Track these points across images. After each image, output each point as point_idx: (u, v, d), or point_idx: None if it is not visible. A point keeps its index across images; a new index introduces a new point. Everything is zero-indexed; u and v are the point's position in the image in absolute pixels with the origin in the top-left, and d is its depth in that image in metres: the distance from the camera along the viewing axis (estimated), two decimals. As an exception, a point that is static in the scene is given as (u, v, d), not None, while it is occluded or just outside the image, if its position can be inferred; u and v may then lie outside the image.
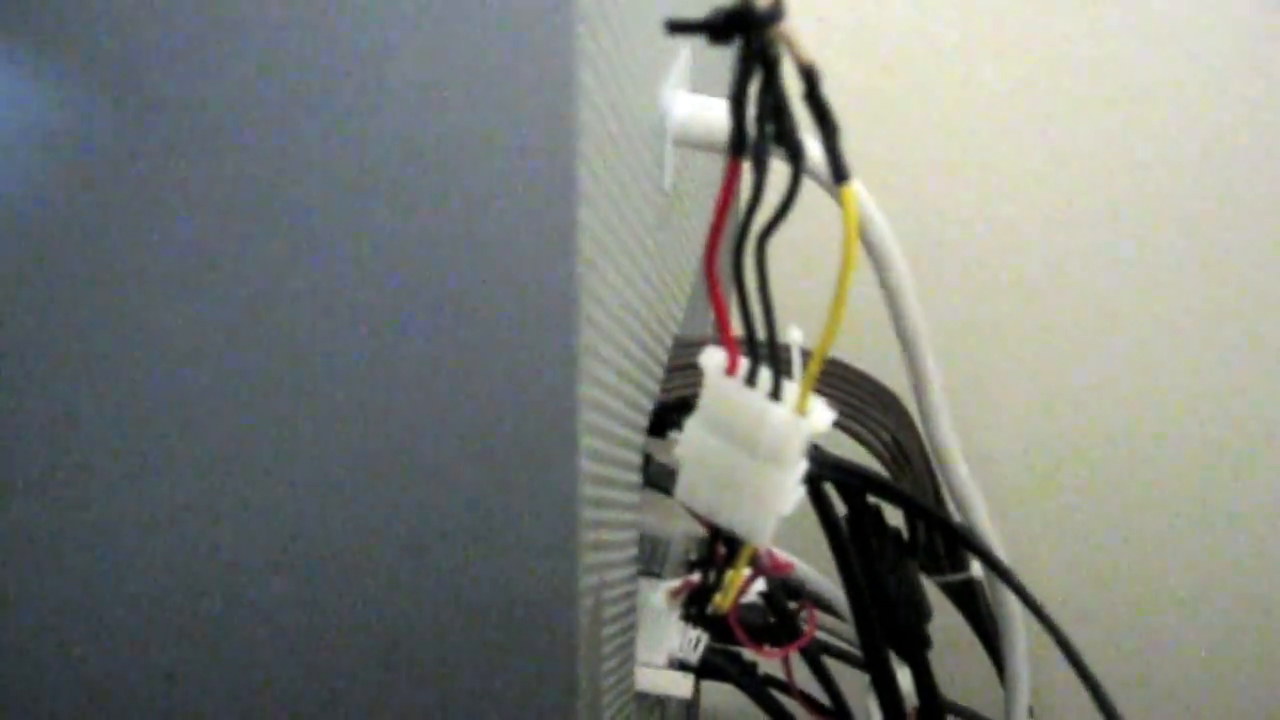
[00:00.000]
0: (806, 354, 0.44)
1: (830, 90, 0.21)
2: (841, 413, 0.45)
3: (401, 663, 0.28)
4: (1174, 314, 0.73)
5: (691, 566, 0.57)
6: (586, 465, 0.26)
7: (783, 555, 0.45)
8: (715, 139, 0.32)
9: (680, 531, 0.54)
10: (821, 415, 0.27)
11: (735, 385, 0.27)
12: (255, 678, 0.28)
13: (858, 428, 0.43)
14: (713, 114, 0.31)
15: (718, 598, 0.33)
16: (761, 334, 0.27)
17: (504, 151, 0.22)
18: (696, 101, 0.32)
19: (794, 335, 0.44)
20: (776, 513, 0.29)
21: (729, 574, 0.33)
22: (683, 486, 0.29)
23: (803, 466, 0.28)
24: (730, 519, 0.29)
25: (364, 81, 0.22)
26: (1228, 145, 0.68)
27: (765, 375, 0.27)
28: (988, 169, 0.71)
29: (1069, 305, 0.73)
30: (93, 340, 0.25)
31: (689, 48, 0.34)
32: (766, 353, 0.27)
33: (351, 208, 0.23)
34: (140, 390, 0.26)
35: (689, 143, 0.32)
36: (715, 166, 0.48)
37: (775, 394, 0.27)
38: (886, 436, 0.44)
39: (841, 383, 0.44)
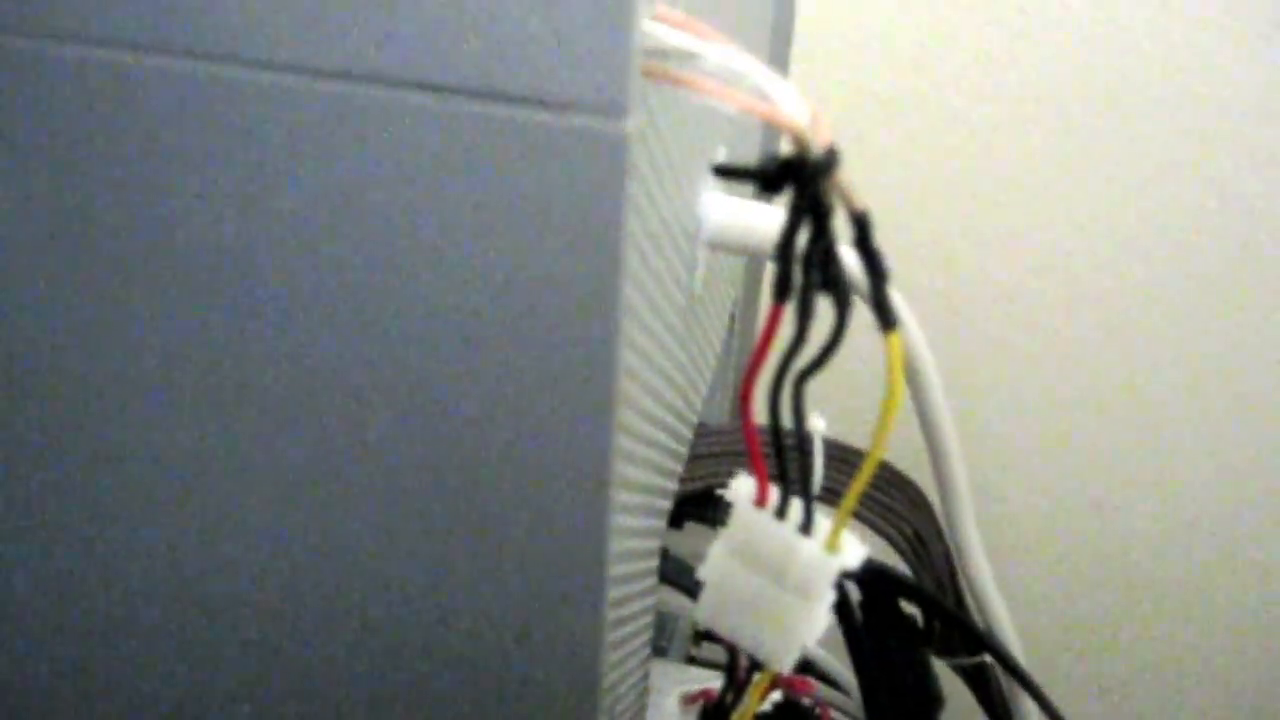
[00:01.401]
0: (829, 444, 0.43)
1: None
2: (863, 504, 0.44)
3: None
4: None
5: (698, 639, 0.56)
6: (615, 569, 0.25)
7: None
8: (751, 244, 0.31)
9: (690, 607, 0.53)
10: (853, 552, 0.26)
11: (765, 517, 0.26)
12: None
13: (879, 521, 0.42)
14: (749, 219, 0.30)
15: (736, 715, 0.32)
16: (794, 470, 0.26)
17: (550, 261, 0.21)
18: (731, 205, 0.31)
19: (817, 424, 0.43)
20: (802, 642, 0.28)
21: (748, 693, 0.32)
22: (704, 608, 0.28)
23: (831, 598, 0.27)
24: (753, 644, 0.28)
25: (407, 200, 0.21)
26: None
27: (796, 507, 0.26)
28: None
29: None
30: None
31: (724, 148, 0.33)
32: (798, 487, 0.26)
33: (397, 311, 0.22)
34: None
35: (723, 247, 0.31)
36: (732, 261, 0.47)
37: (806, 528, 0.26)
38: (908, 530, 0.43)
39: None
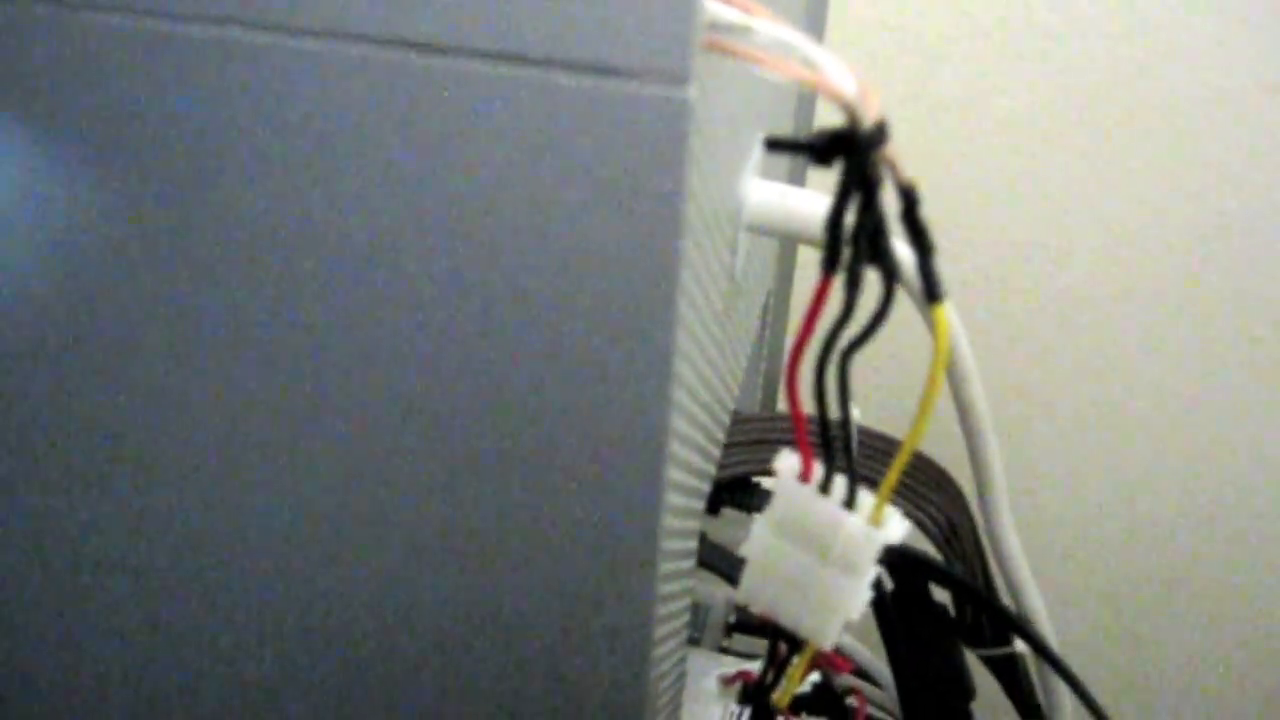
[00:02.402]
0: (863, 432, 0.43)
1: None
2: (895, 490, 0.45)
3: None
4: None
5: (729, 630, 0.57)
6: (665, 544, 0.26)
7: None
8: (792, 228, 0.31)
9: (722, 597, 0.53)
10: (896, 526, 0.27)
11: (809, 492, 0.27)
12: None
13: (912, 508, 0.42)
14: (791, 202, 0.31)
15: (776, 694, 0.32)
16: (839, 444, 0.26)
17: (611, 230, 0.21)
18: (772, 189, 0.31)
19: (852, 412, 0.43)
20: (844, 617, 0.28)
21: (789, 671, 0.32)
22: (746, 586, 0.29)
23: (874, 573, 0.28)
24: (795, 620, 0.29)
25: (477, 187, 0.22)
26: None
27: (839, 483, 0.27)
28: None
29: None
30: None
31: (761, 133, 0.33)
32: (842, 462, 0.26)
33: (453, 283, 0.23)
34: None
35: (765, 231, 0.31)
36: (767, 245, 0.48)
37: (850, 503, 0.27)
38: (940, 517, 0.43)
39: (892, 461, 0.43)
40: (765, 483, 0.43)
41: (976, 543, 0.46)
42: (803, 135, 0.21)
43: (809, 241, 0.31)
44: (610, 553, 0.24)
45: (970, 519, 0.46)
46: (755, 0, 0.21)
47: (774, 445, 0.42)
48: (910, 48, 0.69)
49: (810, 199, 0.31)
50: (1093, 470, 0.77)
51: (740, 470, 0.41)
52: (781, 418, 0.45)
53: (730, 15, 0.19)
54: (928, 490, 0.44)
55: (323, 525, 0.26)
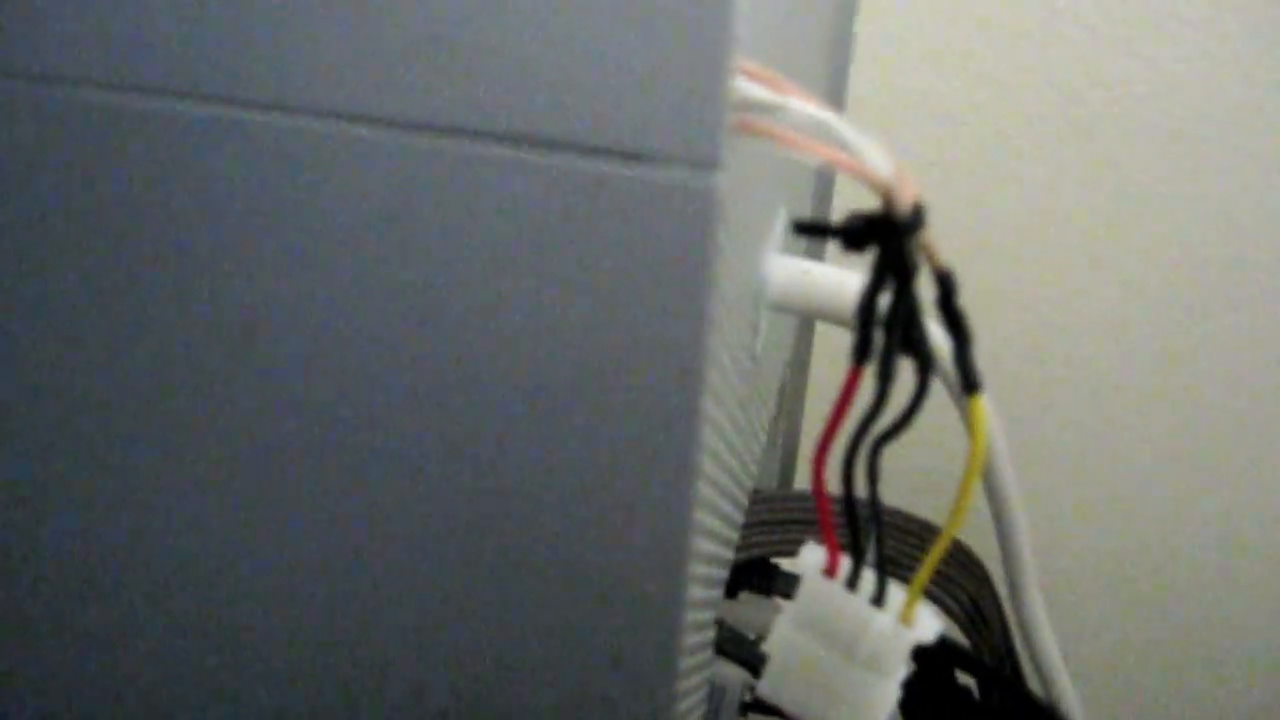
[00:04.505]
0: (889, 511, 0.42)
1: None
2: (891, 562, 0.43)
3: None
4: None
5: (745, 710, 0.55)
6: (684, 640, 0.24)
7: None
8: (816, 307, 0.30)
9: (737, 678, 0.52)
10: (928, 625, 0.25)
11: (835, 588, 0.25)
12: None
13: (937, 591, 0.41)
14: (815, 280, 0.30)
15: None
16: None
17: (633, 321, 0.20)
18: (795, 266, 0.30)
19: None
20: (873, 718, 0.27)
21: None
22: (769, 681, 0.27)
23: (904, 672, 0.26)
24: (819, 719, 0.27)
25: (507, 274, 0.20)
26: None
27: (868, 578, 0.25)
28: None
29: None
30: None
31: (783, 208, 0.32)
32: (871, 558, 0.25)
33: (471, 367, 0.21)
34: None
35: (788, 309, 0.30)
36: (784, 321, 0.46)
37: (878, 600, 0.25)
38: (965, 599, 0.42)
39: (919, 541, 0.42)
40: (784, 564, 0.42)
41: (1003, 623, 0.45)
42: (835, 218, 0.19)
43: (835, 321, 0.30)
44: (630, 661, 0.23)
45: (995, 597, 0.45)
46: (783, 76, 0.20)
47: (793, 526, 0.41)
48: (929, 115, 0.69)
49: (835, 276, 0.30)
50: (1122, 520, 0.75)
51: (758, 552, 0.40)
52: (799, 497, 0.44)
53: (760, 94, 0.18)
54: (951, 571, 0.42)
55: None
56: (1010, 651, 0.45)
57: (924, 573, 0.25)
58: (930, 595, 0.41)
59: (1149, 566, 0.75)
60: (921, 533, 0.42)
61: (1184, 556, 0.75)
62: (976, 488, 0.26)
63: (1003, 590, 0.42)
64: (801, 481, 0.65)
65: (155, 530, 0.24)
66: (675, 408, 0.20)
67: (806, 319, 0.59)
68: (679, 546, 0.21)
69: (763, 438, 0.39)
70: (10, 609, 0.26)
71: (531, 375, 0.21)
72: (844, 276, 0.29)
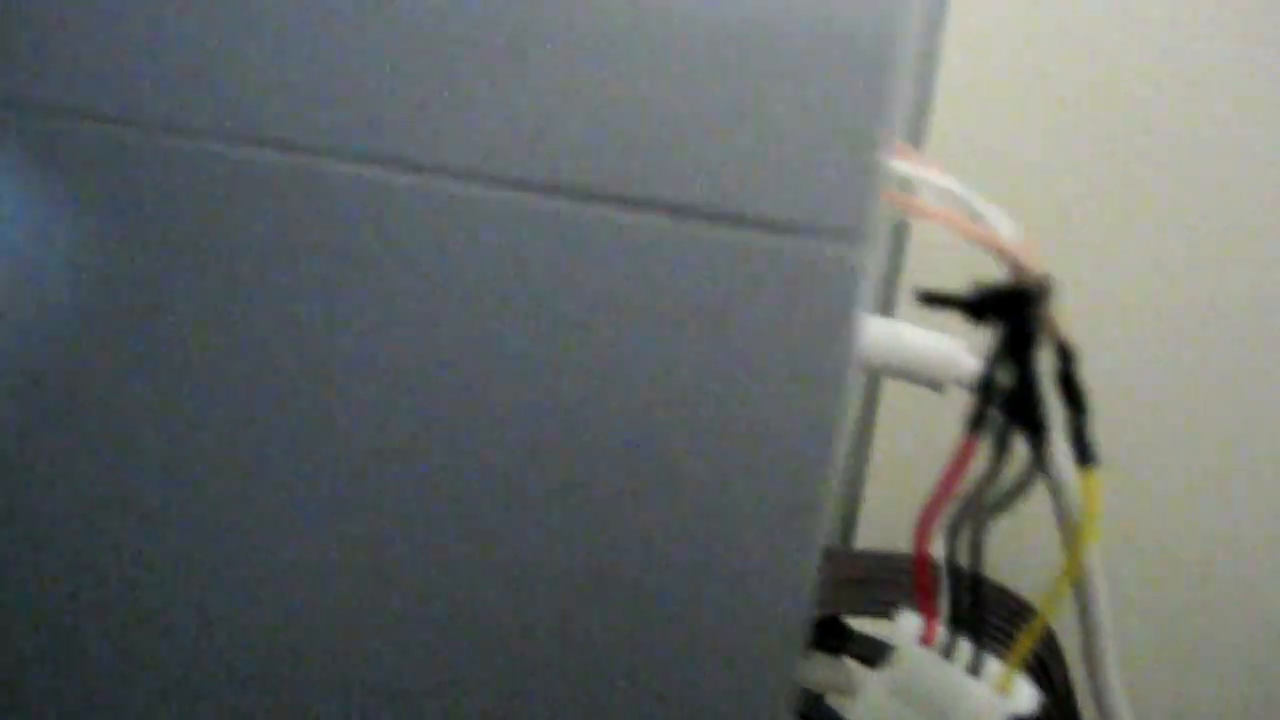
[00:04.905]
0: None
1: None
2: (987, 634, 0.43)
3: None
4: None
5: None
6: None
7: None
8: (905, 368, 0.30)
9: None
10: (1025, 696, 0.25)
11: (931, 656, 0.25)
12: None
13: (999, 646, 0.41)
14: (905, 343, 0.29)
15: None
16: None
17: (771, 393, 0.20)
18: (885, 327, 0.30)
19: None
20: (960, 788, 0.26)
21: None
22: (856, 747, 0.27)
23: (995, 742, 0.26)
24: (906, 788, 0.27)
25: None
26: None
27: (964, 648, 0.25)
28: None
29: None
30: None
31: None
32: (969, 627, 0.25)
33: (604, 438, 0.21)
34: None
35: (880, 370, 0.30)
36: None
37: (975, 669, 0.25)
38: (1032, 659, 0.41)
39: (998, 609, 0.42)
40: (852, 623, 0.42)
41: (1067, 684, 0.44)
42: (964, 291, 0.19)
43: (922, 383, 0.30)
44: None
45: (1063, 665, 0.44)
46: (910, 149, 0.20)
47: (864, 585, 0.41)
48: (1002, 171, 0.69)
49: (926, 339, 0.30)
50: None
51: (829, 611, 0.40)
52: (867, 555, 0.44)
53: (904, 169, 0.18)
54: (1019, 632, 0.42)
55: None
56: (1074, 710, 0.45)
57: (1025, 642, 0.25)
58: (994, 652, 0.41)
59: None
60: (1000, 599, 0.41)
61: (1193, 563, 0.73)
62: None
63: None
64: (864, 540, 0.65)
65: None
66: (808, 472, 0.20)
67: (882, 378, 0.59)
68: (799, 609, 0.21)
69: (836, 494, 0.39)
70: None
71: (660, 447, 0.21)
72: (934, 339, 0.29)
